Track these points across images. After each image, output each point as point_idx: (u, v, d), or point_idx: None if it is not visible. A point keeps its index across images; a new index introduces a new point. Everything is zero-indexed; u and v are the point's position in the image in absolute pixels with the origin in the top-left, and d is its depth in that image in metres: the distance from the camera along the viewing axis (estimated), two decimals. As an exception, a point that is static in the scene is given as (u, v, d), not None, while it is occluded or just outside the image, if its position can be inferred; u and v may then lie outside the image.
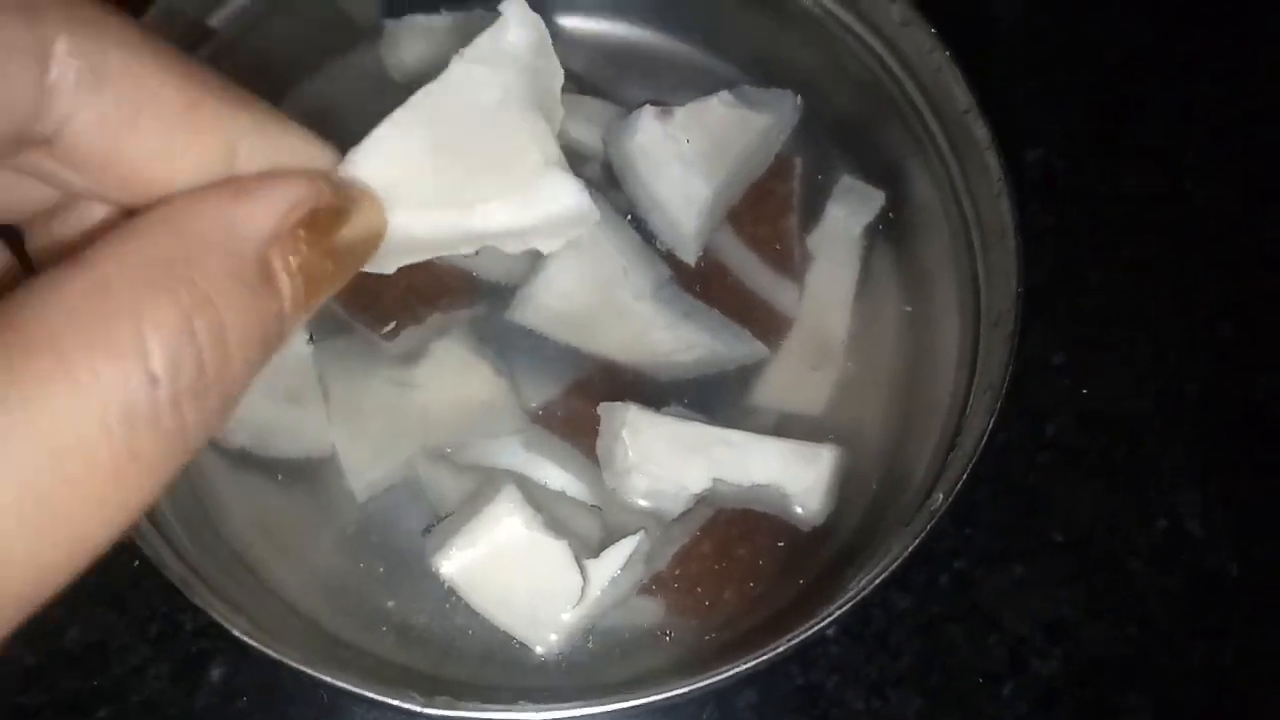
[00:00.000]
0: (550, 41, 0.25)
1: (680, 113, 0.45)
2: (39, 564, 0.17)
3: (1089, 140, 0.62)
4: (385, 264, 0.23)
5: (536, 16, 0.24)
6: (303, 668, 0.32)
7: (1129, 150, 0.61)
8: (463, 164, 0.23)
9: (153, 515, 0.37)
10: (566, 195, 0.24)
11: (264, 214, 0.19)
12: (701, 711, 0.47)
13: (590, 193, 0.42)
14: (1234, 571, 0.54)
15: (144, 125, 0.19)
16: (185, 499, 0.41)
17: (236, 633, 0.34)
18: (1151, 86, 0.63)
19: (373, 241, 0.22)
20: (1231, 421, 0.56)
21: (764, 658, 0.33)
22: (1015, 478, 0.55)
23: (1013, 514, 0.53)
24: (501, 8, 0.24)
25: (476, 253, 0.23)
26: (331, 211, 0.21)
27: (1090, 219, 0.60)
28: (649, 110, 0.45)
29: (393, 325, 0.46)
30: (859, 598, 0.33)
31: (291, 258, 0.19)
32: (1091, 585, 0.53)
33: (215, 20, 0.42)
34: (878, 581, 0.34)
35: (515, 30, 0.25)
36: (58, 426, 0.16)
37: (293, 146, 0.21)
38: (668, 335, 0.43)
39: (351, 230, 0.21)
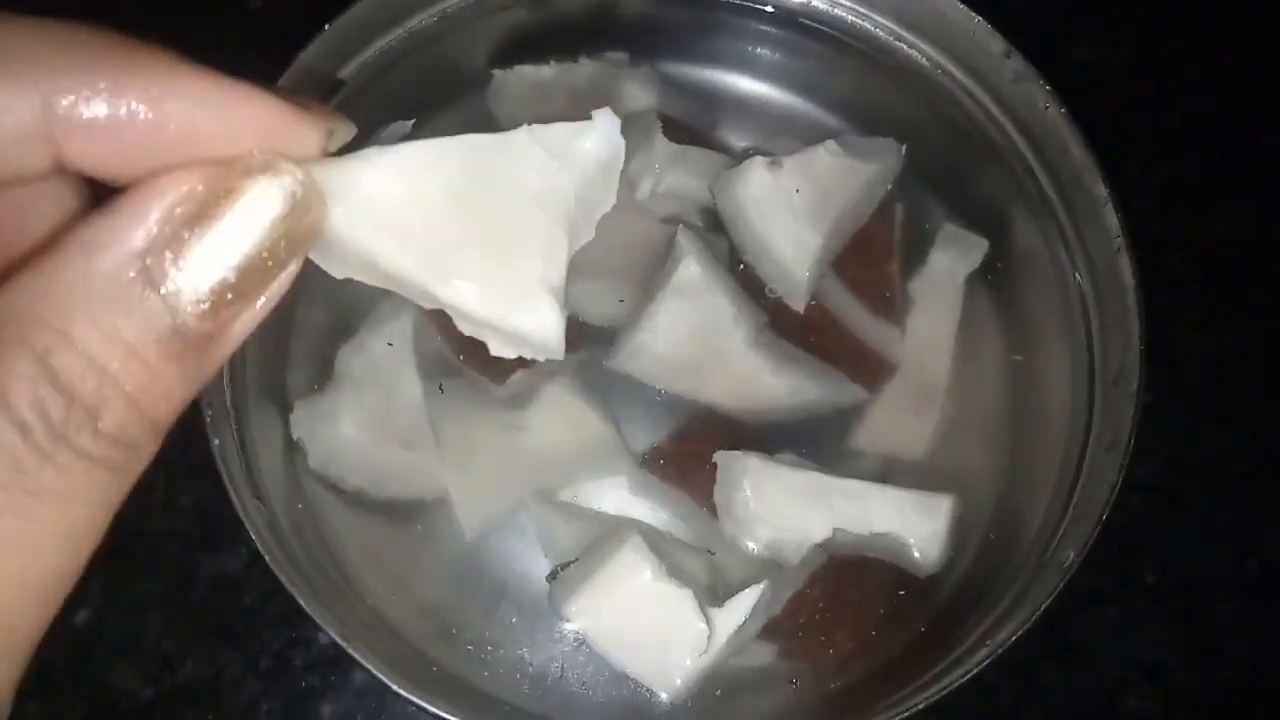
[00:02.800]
0: (620, 167, 0.23)
1: (789, 163, 0.46)
2: (16, 601, 0.19)
3: (1171, 183, 0.62)
4: (335, 270, 0.22)
5: (621, 140, 0.23)
6: (439, 711, 0.33)
7: (1218, 194, 0.62)
8: (466, 229, 0.22)
9: (283, 544, 0.38)
10: (544, 324, 0.23)
11: (128, 223, 0.19)
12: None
13: (697, 239, 0.43)
14: (1325, 614, 0.54)
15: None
16: (309, 536, 0.42)
17: (377, 672, 0.34)
18: (1234, 123, 0.64)
19: (297, 228, 0.21)
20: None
21: (906, 710, 0.33)
22: (1108, 519, 0.55)
23: (1105, 555, 0.54)
24: (595, 114, 0.23)
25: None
26: (230, 196, 0.20)
27: (1180, 264, 0.60)
28: (759, 160, 0.45)
29: (504, 370, 0.47)
30: (999, 651, 0.34)
31: (179, 258, 0.19)
32: (1184, 627, 0.53)
33: (344, 73, 0.43)
34: (1016, 636, 0.34)
35: (596, 140, 0.23)
36: None
37: (202, 111, 0.20)
38: (774, 381, 0.44)
39: (265, 218, 0.20)
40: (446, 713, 0.34)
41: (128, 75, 0.19)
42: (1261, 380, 0.58)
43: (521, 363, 0.47)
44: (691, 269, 0.43)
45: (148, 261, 0.19)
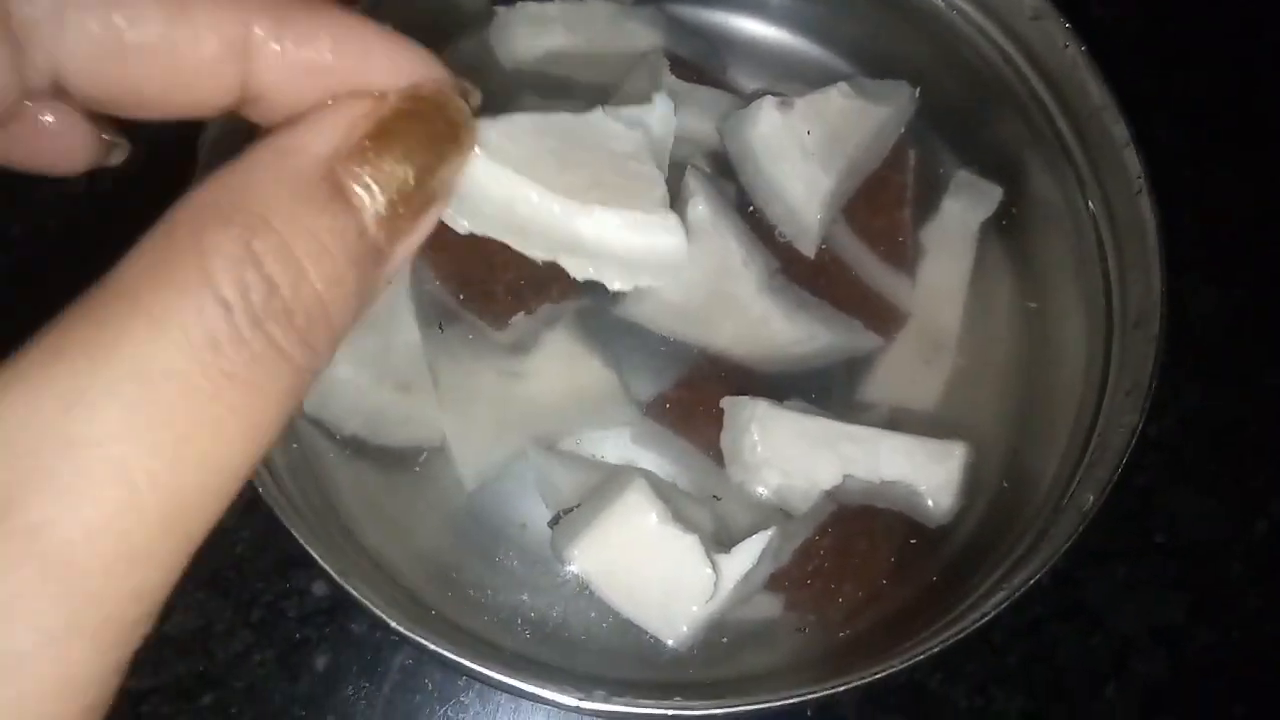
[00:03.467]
0: (671, 142, 0.27)
1: (800, 103, 0.44)
2: (180, 487, 0.18)
3: (1187, 144, 0.61)
4: (466, 223, 0.23)
5: (674, 120, 0.27)
6: (458, 658, 0.32)
7: (1230, 155, 0.61)
8: (587, 174, 0.24)
9: (280, 485, 0.37)
10: (674, 236, 0.25)
11: (318, 132, 0.20)
12: (804, 706, 0.47)
13: (706, 181, 0.42)
14: (1335, 575, 0.54)
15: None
16: (305, 481, 0.41)
17: (378, 611, 0.33)
18: (1245, 89, 0.63)
19: (457, 156, 0.22)
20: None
21: (914, 658, 0.32)
22: (1119, 478, 0.54)
23: (1115, 515, 0.53)
24: (655, 96, 0.27)
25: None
26: (406, 118, 0.21)
27: (1198, 222, 0.59)
28: (769, 100, 0.44)
29: (504, 315, 0.46)
30: (1016, 595, 0.33)
31: (360, 169, 0.20)
32: (1194, 587, 0.52)
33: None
34: (1033, 580, 0.33)
35: (657, 118, 0.27)
36: (142, 360, 0.17)
37: (369, 51, 0.22)
38: (786, 326, 0.43)
39: (432, 142, 0.22)
40: (447, 651, 0.32)
41: (315, 14, 0.21)
42: (1272, 341, 0.57)
43: (522, 307, 0.46)
44: (699, 209, 0.42)
45: (336, 168, 0.20)
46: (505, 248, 0.23)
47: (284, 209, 0.19)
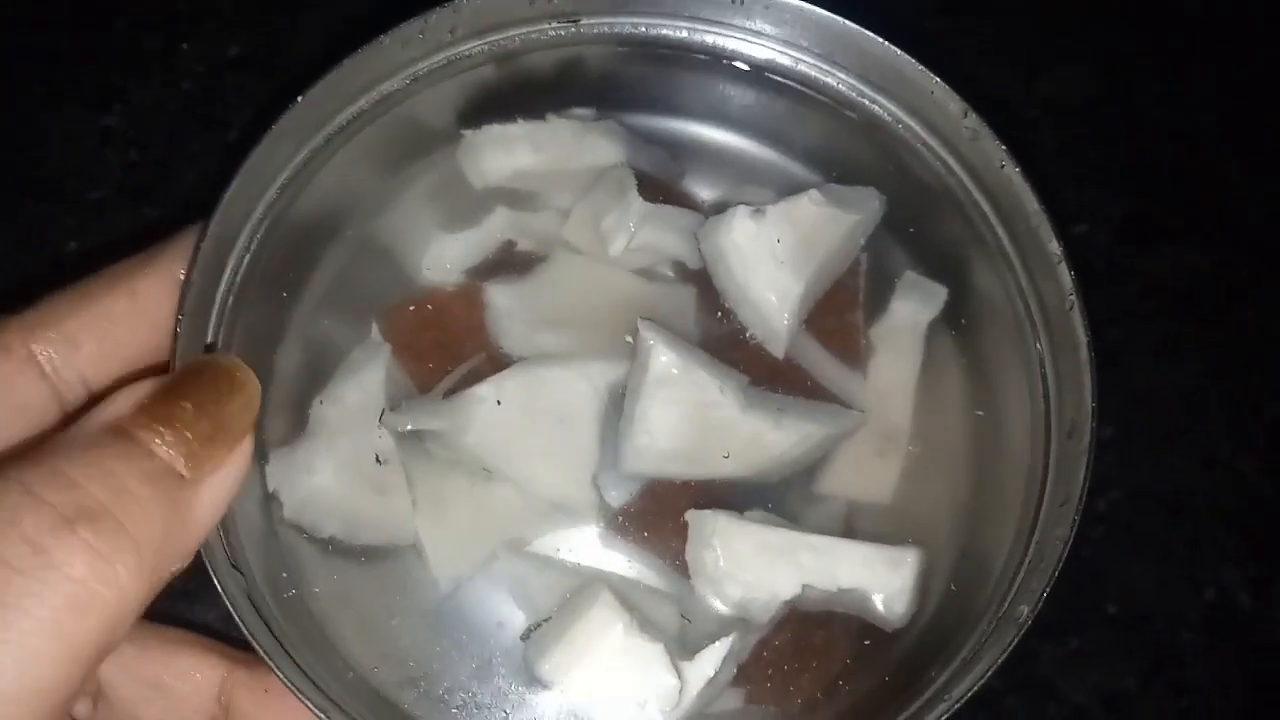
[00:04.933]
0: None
1: (772, 211, 0.46)
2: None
3: (1129, 218, 0.64)
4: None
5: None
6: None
7: (1175, 228, 0.63)
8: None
9: (257, 605, 0.39)
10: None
11: (106, 404, 0.29)
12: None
13: (657, 329, 0.45)
14: (1281, 639, 0.56)
15: None
16: (289, 598, 0.43)
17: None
18: (1191, 164, 0.65)
19: (239, 396, 0.32)
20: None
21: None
22: (1070, 551, 0.57)
23: (1068, 588, 0.55)
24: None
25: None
26: (186, 377, 0.31)
27: (1136, 295, 0.62)
28: (742, 210, 0.46)
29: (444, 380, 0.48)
30: (956, 706, 0.35)
31: (144, 418, 0.28)
32: (1145, 656, 0.55)
33: (316, 140, 0.44)
34: (973, 691, 0.35)
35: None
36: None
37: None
38: (778, 436, 0.44)
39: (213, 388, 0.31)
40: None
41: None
42: (1218, 411, 0.60)
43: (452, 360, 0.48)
44: (664, 358, 0.43)
45: (122, 422, 0.28)
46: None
47: (74, 451, 0.26)
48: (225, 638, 0.50)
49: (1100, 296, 0.62)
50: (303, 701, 0.34)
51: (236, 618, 0.35)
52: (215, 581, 0.36)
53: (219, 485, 0.29)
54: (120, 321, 0.36)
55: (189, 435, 0.28)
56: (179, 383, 0.30)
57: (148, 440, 0.27)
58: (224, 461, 0.29)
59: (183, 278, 0.39)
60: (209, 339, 0.41)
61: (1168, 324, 0.61)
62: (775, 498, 0.47)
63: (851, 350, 0.49)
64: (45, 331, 0.35)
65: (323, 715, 0.34)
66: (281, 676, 0.35)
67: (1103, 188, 0.65)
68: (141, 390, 0.29)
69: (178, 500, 0.27)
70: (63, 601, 0.24)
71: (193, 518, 0.28)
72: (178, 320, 0.40)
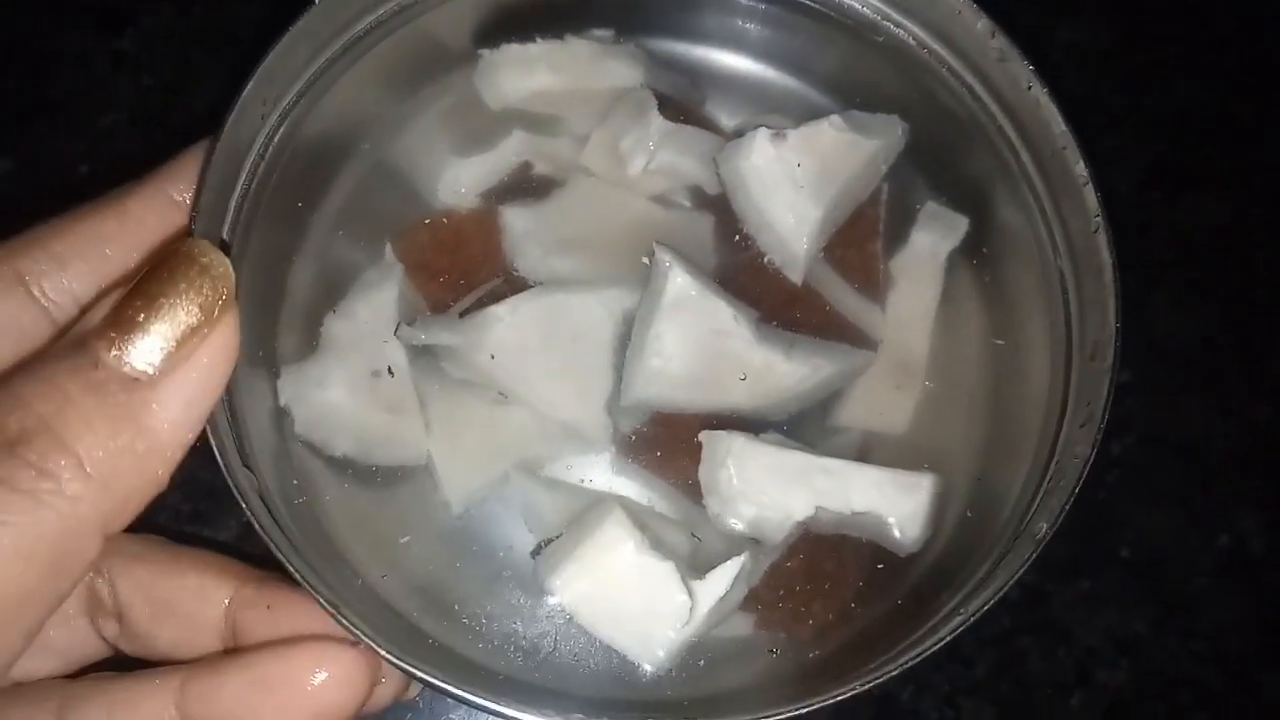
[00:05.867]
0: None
1: (793, 136, 0.46)
2: None
3: (1150, 166, 0.63)
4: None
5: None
6: (437, 681, 0.34)
7: (1196, 177, 0.63)
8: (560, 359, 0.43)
9: (264, 496, 0.39)
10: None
11: (83, 320, 0.30)
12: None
13: (673, 254, 0.44)
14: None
15: None
16: (300, 508, 0.43)
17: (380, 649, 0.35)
18: (1211, 110, 0.64)
19: (211, 290, 0.30)
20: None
21: (880, 677, 0.34)
22: (1084, 494, 0.56)
23: (1082, 530, 0.55)
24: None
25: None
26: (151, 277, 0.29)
27: (1155, 243, 0.61)
28: (763, 133, 0.45)
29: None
30: (972, 619, 0.35)
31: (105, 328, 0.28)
32: (1157, 600, 0.54)
33: (334, 47, 0.43)
34: (989, 605, 0.35)
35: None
36: None
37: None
38: (789, 368, 0.44)
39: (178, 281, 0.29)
40: (439, 680, 0.34)
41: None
42: (1236, 359, 0.59)
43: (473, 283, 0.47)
44: (679, 281, 0.43)
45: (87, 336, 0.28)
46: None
47: (31, 371, 0.26)
48: (237, 553, 0.50)
49: (1121, 245, 0.62)
50: (312, 595, 0.34)
51: (247, 511, 0.35)
52: (227, 478, 0.35)
53: (188, 384, 0.28)
54: (110, 240, 0.36)
55: (152, 333, 0.27)
56: (141, 281, 0.28)
57: (98, 349, 0.27)
58: (192, 356, 0.28)
59: (180, 197, 0.39)
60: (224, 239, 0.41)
61: (1187, 272, 0.61)
62: (790, 428, 0.46)
63: (870, 280, 0.49)
64: (31, 252, 0.35)
65: (332, 610, 0.34)
66: (291, 567, 0.34)
67: (1125, 136, 0.64)
68: (111, 300, 0.28)
69: (130, 405, 0.26)
70: (11, 517, 0.24)
71: (153, 421, 0.27)
72: (190, 227, 0.39)
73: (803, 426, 0.47)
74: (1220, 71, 0.65)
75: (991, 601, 0.35)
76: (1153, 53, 0.66)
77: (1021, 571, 0.36)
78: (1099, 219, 0.41)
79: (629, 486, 0.45)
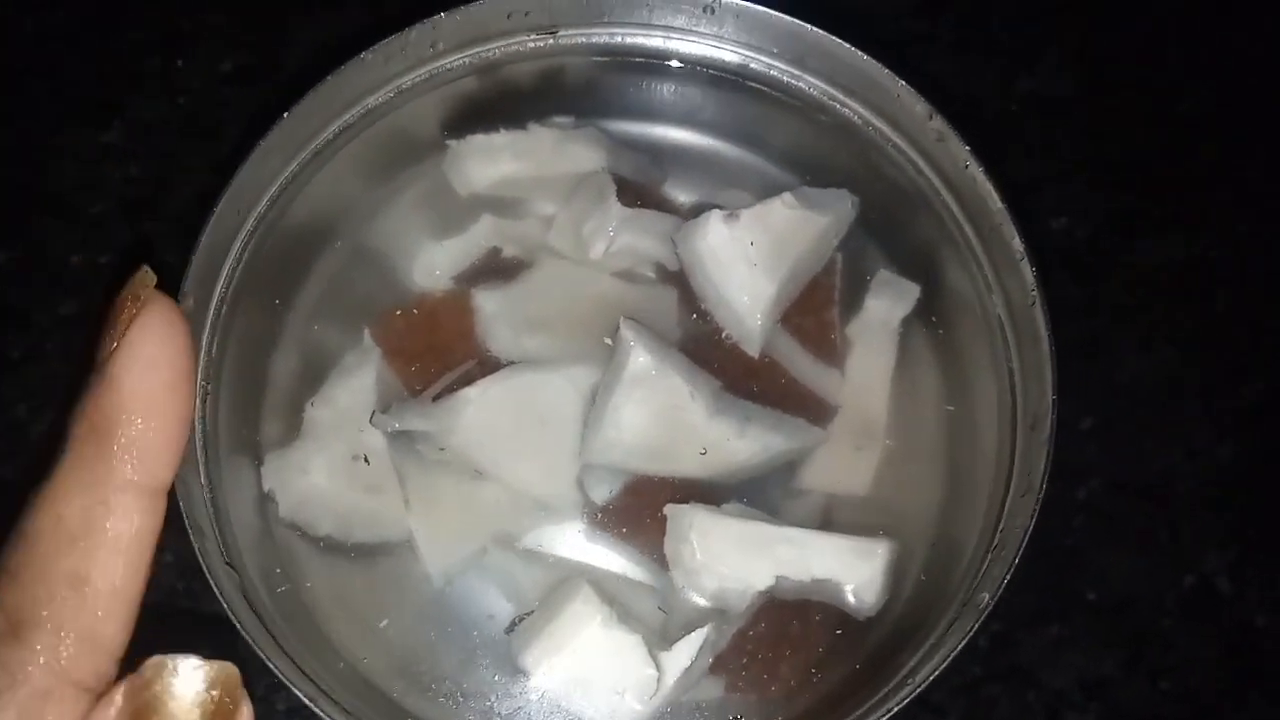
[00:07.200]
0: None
1: (745, 215, 0.48)
2: None
3: (1109, 211, 0.65)
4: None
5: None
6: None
7: (1149, 220, 0.64)
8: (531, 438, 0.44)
9: (251, 600, 0.41)
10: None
11: None
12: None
13: (638, 329, 0.47)
14: (1260, 623, 0.57)
15: None
16: (283, 593, 0.45)
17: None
18: (1168, 154, 0.66)
19: None
20: (1260, 482, 0.59)
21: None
22: (1051, 540, 0.58)
23: (1049, 575, 0.57)
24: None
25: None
26: None
27: (1116, 287, 0.63)
28: (716, 214, 0.47)
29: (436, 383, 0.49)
30: (920, 689, 0.37)
31: None
32: (1125, 642, 0.56)
33: (304, 154, 0.46)
34: (935, 674, 0.37)
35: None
36: None
37: None
38: (741, 444, 0.46)
39: None
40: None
41: None
42: (1199, 399, 0.61)
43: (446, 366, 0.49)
44: (641, 359, 0.45)
45: None
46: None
47: None
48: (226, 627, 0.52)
49: (1081, 289, 0.63)
50: (294, 690, 0.36)
51: (230, 614, 0.37)
52: (209, 580, 0.38)
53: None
54: None
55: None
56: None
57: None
58: None
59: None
60: (203, 345, 0.43)
61: (1147, 315, 0.62)
62: (755, 492, 0.48)
63: (828, 347, 0.51)
64: None
65: (312, 704, 0.36)
66: (274, 667, 0.36)
67: (1083, 182, 0.66)
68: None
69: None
70: None
71: None
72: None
73: (766, 491, 0.48)
74: (1176, 117, 0.67)
75: (937, 672, 0.37)
76: (1110, 100, 0.67)
77: (964, 643, 0.37)
78: (1034, 293, 0.43)
79: (600, 556, 0.47)
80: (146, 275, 0.32)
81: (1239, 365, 0.62)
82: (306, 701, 0.36)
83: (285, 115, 0.44)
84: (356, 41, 0.46)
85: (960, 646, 0.37)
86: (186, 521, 0.39)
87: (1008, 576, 0.38)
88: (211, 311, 0.45)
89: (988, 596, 0.38)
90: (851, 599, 0.44)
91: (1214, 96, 0.67)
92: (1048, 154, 0.66)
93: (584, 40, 0.50)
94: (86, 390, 0.29)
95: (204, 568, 0.38)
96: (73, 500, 0.29)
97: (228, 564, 0.40)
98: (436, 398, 0.48)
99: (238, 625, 0.37)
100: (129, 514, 0.29)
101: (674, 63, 0.51)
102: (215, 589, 0.38)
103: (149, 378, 0.29)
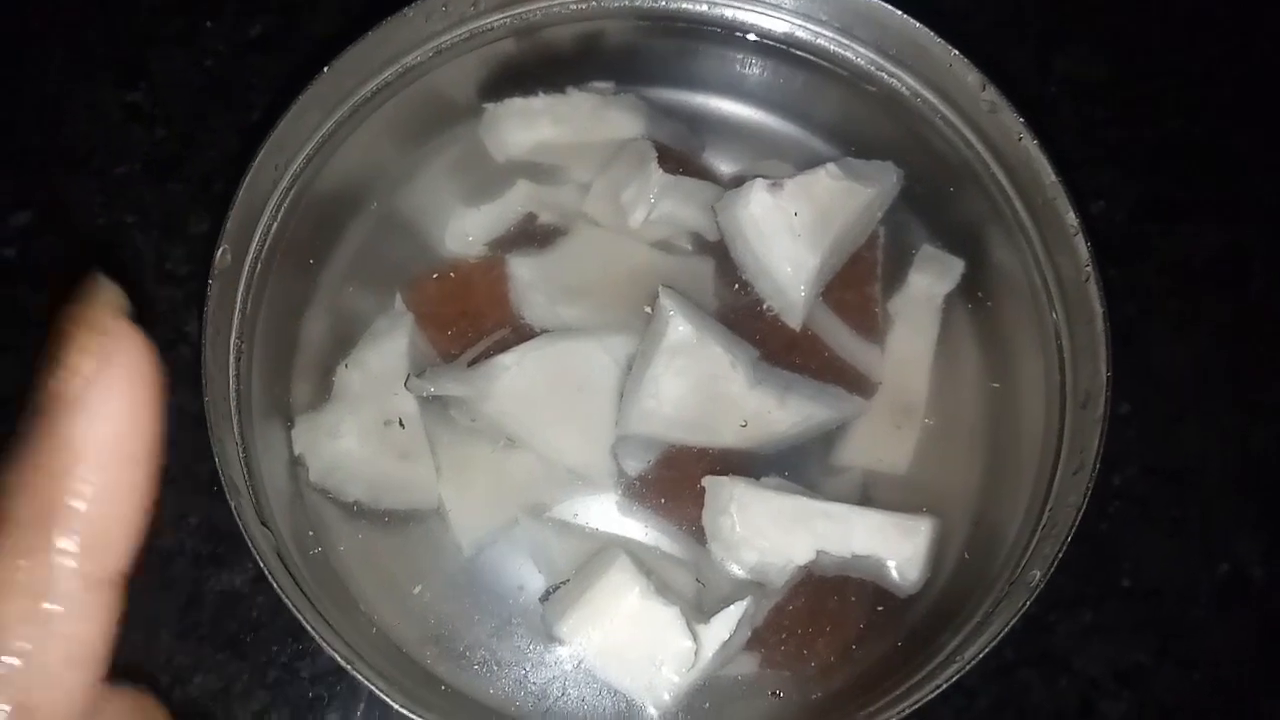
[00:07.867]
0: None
1: (789, 184, 0.47)
2: None
3: (1144, 196, 0.64)
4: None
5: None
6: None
7: (1191, 206, 0.63)
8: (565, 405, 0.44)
9: (286, 562, 0.40)
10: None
11: None
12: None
13: (678, 298, 0.46)
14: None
15: None
16: (311, 550, 0.44)
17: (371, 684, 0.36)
18: (1204, 140, 0.65)
19: None
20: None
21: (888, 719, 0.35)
22: (1086, 526, 0.57)
23: (1083, 562, 0.56)
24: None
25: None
26: None
27: (1149, 272, 0.62)
28: (760, 182, 0.46)
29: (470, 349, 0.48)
30: (968, 667, 0.36)
31: None
32: (1158, 630, 0.55)
33: (343, 110, 0.45)
34: (985, 652, 0.36)
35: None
36: None
37: None
38: (781, 414, 0.45)
39: None
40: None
41: None
42: (1232, 386, 0.60)
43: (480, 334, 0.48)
44: (681, 328, 0.44)
45: None
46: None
47: None
48: (252, 598, 0.51)
49: (1116, 274, 0.62)
50: (329, 651, 0.35)
51: (267, 572, 0.36)
52: (245, 538, 0.37)
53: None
54: None
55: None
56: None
57: None
58: None
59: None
60: (238, 303, 0.42)
61: (1182, 301, 0.61)
62: (793, 468, 0.47)
63: (869, 323, 0.50)
64: None
65: (348, 666, 0.35)
66: (310, 627, 0.35)
67: (1119, 166, 0.64)
68: None
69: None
70: None
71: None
72: (209, 283, 0.41)
73: (804, 467, 0.48)
74: (1212, 102, 0.66)
75: (986, 650, 0.36)
76: (1146, 85, 0.66)
77: (1015, 621, 0.37)
78: (1089, 269, 0.42)
79: (635, 529, 0.47)
80: (112, 294, 0.23)
81: (1272, 353, 0.61)
82: (343, 663, 0.35)
83: (325, 69, 0.43)
84: (384, 9, 0.45)
85: (1011, 624, 0.37)
86: (222, 479, 0.38)
87: (1060, 554, 0.38)
88: (246, 268, 0.44)
89: (1039, 574, 0.38)
90: (895, 575, 0.43)
91: (1251, 83, 0.66)
92: (1083, 139, 0.65)
93: (626, 3, 0.49)
94: (26, 440, 0.22)
95: (240, 526, 0.37)
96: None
97: (263, 524, 0.39)
98: (472, 363, 0.47)
99: (275, 585, 0.36)
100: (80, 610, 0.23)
101: (718, 29, 0.50)
102: (252, 548, 0.37)
103: (108, 449, 0.23)
